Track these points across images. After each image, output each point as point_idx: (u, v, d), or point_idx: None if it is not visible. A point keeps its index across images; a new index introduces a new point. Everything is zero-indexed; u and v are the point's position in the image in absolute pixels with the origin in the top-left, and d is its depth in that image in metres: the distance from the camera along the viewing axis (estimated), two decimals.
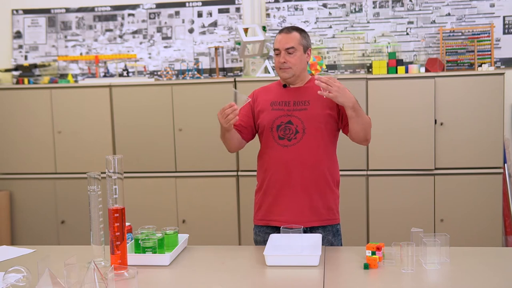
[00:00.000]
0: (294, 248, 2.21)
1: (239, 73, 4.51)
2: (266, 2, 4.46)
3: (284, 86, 2.52)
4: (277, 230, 2.36)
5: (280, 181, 2.42)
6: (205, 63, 4.55)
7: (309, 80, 2.53)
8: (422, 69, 4.06)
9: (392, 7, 4.31)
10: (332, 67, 4.38)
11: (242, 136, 2.54)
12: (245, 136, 2.55)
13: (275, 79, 4.07)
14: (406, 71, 4.00)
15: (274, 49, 2.48)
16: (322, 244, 2.38)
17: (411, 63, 4.28)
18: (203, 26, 4.55)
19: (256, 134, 2.59)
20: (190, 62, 4.55)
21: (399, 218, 3.98)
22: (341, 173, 2.57)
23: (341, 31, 4.38)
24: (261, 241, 2.48)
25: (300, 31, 2.49)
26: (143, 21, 4.62)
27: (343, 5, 4.36)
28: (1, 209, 4.34)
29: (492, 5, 4.22)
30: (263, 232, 2.49)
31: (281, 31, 2.50)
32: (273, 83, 2.61)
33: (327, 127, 2.43)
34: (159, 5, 4.59)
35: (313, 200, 2.41)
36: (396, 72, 4.00)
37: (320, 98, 2.40)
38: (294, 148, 2.40)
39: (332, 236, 2.46)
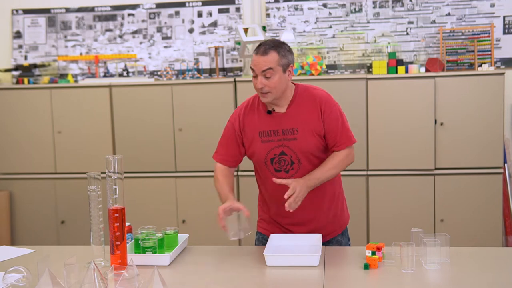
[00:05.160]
0: (294, 248, 2.21)
1: (239, 73, 4.51)
2: (266, 2, 4.46)
3: (269, 112, 2.32)
4: None
5: (286, 213, 2.31)
6: (205, 63, 4.55)
7: (293, 96, 2.32)
8: (422, 69, 4.06)
9: (392, 7, 4.31)
10: (332, 67, 4.38)
11: (231, 165, 2.43)
12: (234, 164, 2.43)
13: None
14: (406, 71, 4.00)
15: (251, 68, 2.25)
16: (331, 245, 2.39)
17: (411, 63, 4.28)
18: (203, 26, 4.55)
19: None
20: (190, 62, 4.55)
21: (399, 218, 3.98)
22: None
23: (341, 31, 4.38)
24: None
25: (279, 48, 2.23)
26: (143, 21, 4.62)
27: (343, 5, 4.36)
28: (1, 209, 4.34)
29: (492, 5, 4.22)
30: (267, 240, 2.47)
31: (258, 50, 2.23)
32: (254, 102, 2.39)
33: (320, 150, 2.32)
34: (159, 5, 4.59)
35: (320, 222, 2.38)
36: (396, 72, 4.00)
37: (308, 122, 2.28)
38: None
39: (341, 236, 2.46)
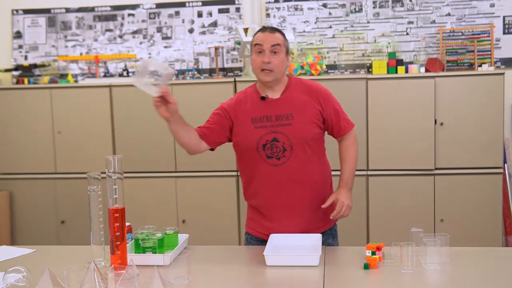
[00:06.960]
0: (294, 248, 2.21)
1: (239, 73, 4.51)
2: (266, 2, 4.46)
3: (263, 98, 2.30)
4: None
5: (274, 202, 2.34)
6: (205, 63, 4.55)
7: (287, 85, 2.34)
8: (422, 69, 4.06)
9: (392, 7, 4.31)
10: (332, 67, 4.38)
11: (206, 139, 2.38)
12: (209, 141, 2.38)
13: None
14: (406, 71, 4.00)
15: (255, 45, 2.27)
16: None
17: (411, 63, 4.28)
18: (203, 26, 4.55)
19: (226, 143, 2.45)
20: (190, 62, 4.55)
21: (399, 218, 3.98)
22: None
23: (341, 31, 4.38)
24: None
25: (282, 33, 2.33)
26: (143, 21, 4.62)
27: (343, 5, 4.36)
28: (1, 209, 4.34)
29: (492, 5, 4.22)
30: (255, 240, 2.45)
31: (264, 29, 2.30)
32: (246, 92, 2.39)
33: (314, 138, 2.31)
34: (159, 5, 4.59)
35: (309, 215, 2.36)
36: (396, 72, 4.00)
37: (304, 109, 2.28)
38: (285, 167, 2.29)
39: (331, 239, 2.45)
